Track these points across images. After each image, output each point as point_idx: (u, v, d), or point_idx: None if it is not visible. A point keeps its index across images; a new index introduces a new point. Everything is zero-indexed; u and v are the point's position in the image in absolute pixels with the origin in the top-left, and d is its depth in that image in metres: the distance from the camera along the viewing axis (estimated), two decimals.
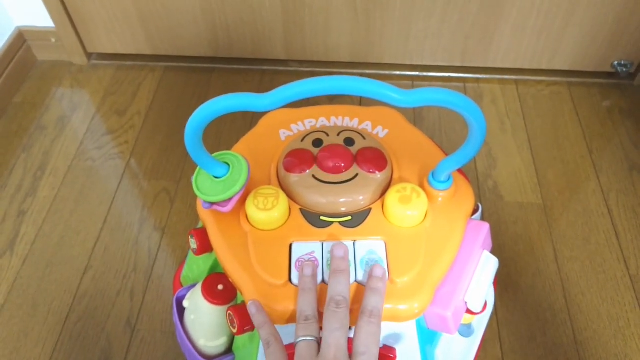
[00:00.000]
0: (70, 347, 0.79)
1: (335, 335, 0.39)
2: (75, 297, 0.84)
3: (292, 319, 0.44)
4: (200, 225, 0.55)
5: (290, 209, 0.49)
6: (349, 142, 0.53)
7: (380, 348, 0.47)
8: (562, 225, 0.92)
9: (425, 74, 1.20)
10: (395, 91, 0.38)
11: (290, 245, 0.47)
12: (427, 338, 0.51)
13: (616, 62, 1.14)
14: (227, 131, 1.08)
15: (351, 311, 0.42)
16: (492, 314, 0.80)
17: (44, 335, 0.81)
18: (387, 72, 1.20)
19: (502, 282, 0.85)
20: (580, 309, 0.82)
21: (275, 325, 0.43)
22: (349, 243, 0.47)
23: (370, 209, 0.49)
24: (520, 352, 0.78)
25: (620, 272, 0.86)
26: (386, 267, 0.45)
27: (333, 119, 0.59)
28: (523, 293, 0.84)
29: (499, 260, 0.52)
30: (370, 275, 0.44)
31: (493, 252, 0.52)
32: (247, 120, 1.09)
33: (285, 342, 0.43)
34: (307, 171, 0.51)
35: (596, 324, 0.81)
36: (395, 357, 0.47)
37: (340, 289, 0.42)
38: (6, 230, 0.94)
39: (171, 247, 0.91)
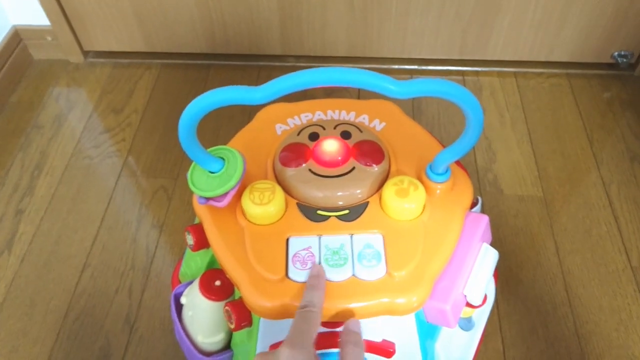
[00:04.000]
0: (69, 346, 0.79)
1: None
2: (74, 296, 0.84)
3: (288, 314, 0.43)
4: (197, 221, 0.55)
5: (286, 203, 0.49)
6: (346, 135, 0.53)
7: (380, 342, 0.47)
8: (562, 217, 0.92)
9: (424, 67, 1.19)
10: (390, 82, 0.37)
11: (287, 240, 0.46)
12: (427, 332, 0.51)
13: (616, 53, 1.13)
14: (226, 127, 1.07)
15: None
16: (493, 307, 0.80)
17: (42, 334, 0.80)
18: (385, 66, 1.19)
19: (503, 276, 0.84)
20: (581, 301, 0.82)
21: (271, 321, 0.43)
22: (346, 237, 0.46)
23: (367, 203, 0.49)
24: (521, 346, 0.77)
25: (622, 264, 0.86)
26: (384, 261, 0.44)
27: (330, 112, 0.59)
28: (524, 286, 0.84)
29: (500, 253, 0.51)
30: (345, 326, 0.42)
31: (493, 245, 0.51)
32: (246, 115, 1.09)
33: (280, 338, 0.42)
34: (304, 165, 0.50)
35: (597, 316, 0.80)
36: (395, 351, 0.47)
37: (315, 300, 0.41)
38: (4, 229, 0.93)
39: (169, 244, 0.90)
